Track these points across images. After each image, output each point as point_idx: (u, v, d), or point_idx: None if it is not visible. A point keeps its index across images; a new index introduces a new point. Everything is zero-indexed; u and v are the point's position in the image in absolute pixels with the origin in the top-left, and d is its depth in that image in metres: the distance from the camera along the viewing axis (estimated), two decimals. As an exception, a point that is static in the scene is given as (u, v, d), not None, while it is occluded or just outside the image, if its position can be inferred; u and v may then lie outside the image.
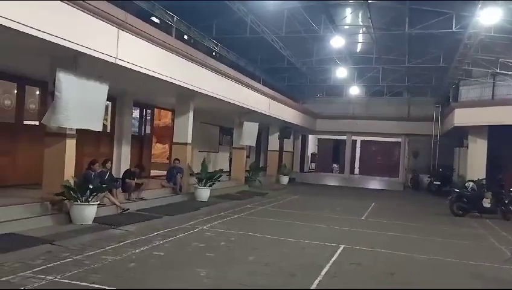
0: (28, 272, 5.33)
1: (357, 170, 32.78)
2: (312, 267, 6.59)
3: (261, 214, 11.85)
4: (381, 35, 18.54)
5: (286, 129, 23.55)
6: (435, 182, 21.63)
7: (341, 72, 22.89)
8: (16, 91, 10.62)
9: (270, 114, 18.92)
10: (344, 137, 29.16)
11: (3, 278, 5.02)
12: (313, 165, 33.03)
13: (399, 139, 28.50)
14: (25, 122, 10.79)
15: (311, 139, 33.22)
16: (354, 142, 31.22)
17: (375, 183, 26.07)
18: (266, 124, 22.40)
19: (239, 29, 16.80)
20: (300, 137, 29.58)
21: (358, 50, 22.46)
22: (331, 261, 7.00)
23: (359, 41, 21.44)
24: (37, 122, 10.64)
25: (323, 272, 6.30)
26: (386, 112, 26.86)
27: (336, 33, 17.41)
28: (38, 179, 8.75)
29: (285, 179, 22.67)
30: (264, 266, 6.51)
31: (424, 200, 19.19)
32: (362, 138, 31.84)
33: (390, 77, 24.69)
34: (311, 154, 33.17)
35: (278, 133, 23.63)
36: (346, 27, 19.27)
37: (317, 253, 7.59)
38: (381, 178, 28.83)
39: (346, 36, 18.42)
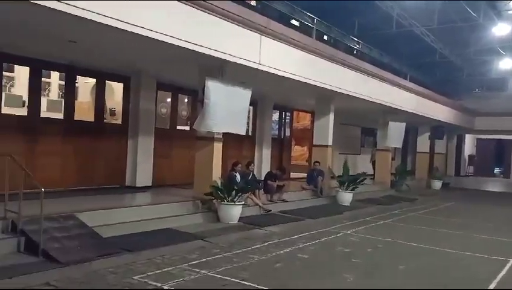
0: (185, 265, 5.71)
1: (525, 175, 28.10)
2: (474, 282, 5.78)
3: (409, 221, 10.89)
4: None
5: (438, 129, 21.39)
6: None
7: (505, 63, 19.90)
8: (170, 100, 11.81)
9: (418, 112, 17.42)
10: (509, 137, 25.26)
11: (165, 269, 5.47)
12: (471, 168, 29.42)
13: None
14: (178, 127, 11.90)
15: (469, 140, 29.59)
16: (522, 142, 26.84)
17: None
18: (414, 123, 20.74)
19: (383, 25, 16.00)
20: (456, 137, 26.57)
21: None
22: (499, 277, 5.99)
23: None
24: (187, 128, 11.67)
25: (491, 286, 5.45)
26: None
27: (499, 20, 15.18)
28: (190, 180, 9.50)
29: (437, 184, 20.57)
30: (415, 276, 5.97)
31: None
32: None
33: None
34: (469, 156, 29.59)
35: (429, 133, 21.63)
36: (511, 12, 16.72)
37: (479, 267, 6.63)
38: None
39: (511, 23, 15.97)
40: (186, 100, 12.45)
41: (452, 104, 21.91)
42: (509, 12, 16.57)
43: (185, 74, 9.91)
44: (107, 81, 10.25)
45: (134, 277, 5.08)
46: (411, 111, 16.81)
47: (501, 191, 21.51)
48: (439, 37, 17.91)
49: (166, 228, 7.57)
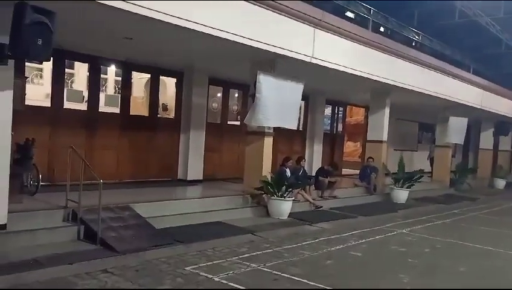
0: (235, 258, 5.74)
1: None
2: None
3: (470, 221, 10.27)
4: None
5: (503, 124, 19.97)
6: None
7: None
8: (220, 95, 11.90)
9: (481, 107, 16.35)
10: None
11: (216, 261, 5.53)
12: (539, 167, 27.28)
13: None
14: (229, 122, 11.97)
15: (538, 136, 27.43)
16: None
17: None
18: (477, 118, 19.53)
19: (445, 15, 15.16)
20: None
21: None
22: None
23: None
24: (238, 122, 11.71)
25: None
26: None
27: None
28: (240, 174, 9.52)
29: (501, 183, 19.29)
30: (479, 279, 5.62)
31: None
32: None
33: None
34: (538, 154, 27.43)
35: (493, 129, 20.27)
36: None
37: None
38: None
39: None
40: (236, 95, 12.52)
41: (519, 98, 20.39)
42: None
43: (236, 69, 9.94)
44: (160, 77, 10.51)
45: (186, 268, 5.17)
46: (474, 105, 15.82)
47: None
48: (506, 27, 16.69)
49: (216, 221, 7.63)
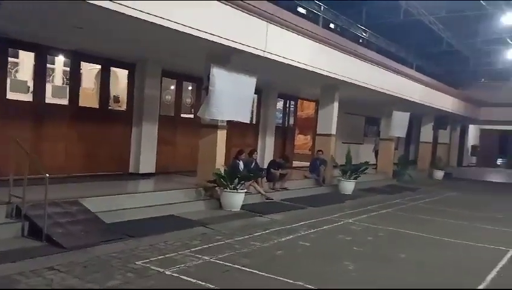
0: (187, 251, 5.79)
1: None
2: (474, 271, 5.86)
3: (411, 210, 10.93)
4: None
5: (442, 119, 21.29)
6: None
7: (512, 53, 19.73)
8: (174, 87, 11.79)
9: (423, 102, 17.32)
10: (513, 127, 25.23)
11: (167, 255, 5.56)
12: (474, 159, 29.37)
13: None
14: (182, 115, 11.90)
15: (472, 130, 29.45)
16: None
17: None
18: (419, 113, 20.65)
19: (391, 13, 15.81)
20: (459, 128, 26.48)
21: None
22: (499, 267, 6.10)
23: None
24: (191, 115, 11.69)
25: (488, 278, 5.54)
26: None
27: (507, 9, 14.99)
28: (193, 167, 9.55)
29: (439, 174, 20.60)
30: (417, 265, 6.02)
31: None
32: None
33: None
34: (472, 146, 29.49)
35: (432, 124, 21.55)
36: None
37: (479, 256, 6.74)
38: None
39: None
40: (190, 88, 12.45)
41: (457, 94, 21.75)
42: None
43: (190, 62, 9.89)
44: (112, 68, 10.25)
45: (137, 262, 5.16)
46: (416, 101, 16.71)
47: (504, 182, 21.47)
48: (447, 26, 17.68)
49: (168, 214, 7.65)
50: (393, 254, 6.48)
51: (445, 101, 19.62)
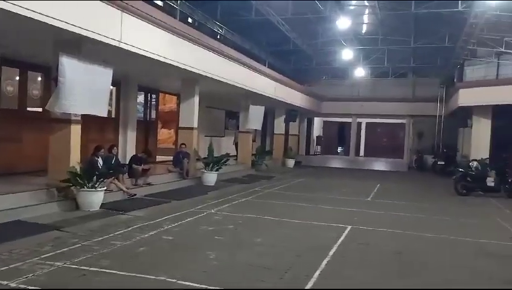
0: (36, 258, 5.31)
1: (362, 152, 32.79)
2: (319, 248, 6.60)
3: (268, 197, 11.84)
4: (387, 16, 18.23)
5: (292, 112, 23.39)
6: (439, 163, 21.60)
7: (347, 54, 22.61)
8: (18, 77, 10.52)
9: (275, 97, 18.75)
10: (349, 119, 29.16)
11: (12, 265, 5.01)
12: (319, 148, 32.98)
13: (404, 121, 28.65)
14: (29, 108, 10.70)
15: (317, 122, 33.07)
16: (359, 124, 31.18)
17: (380, 165, 26.04)
18: (272, 107, 22.24)
19: (244, 11, 16.54)
20: (306, 120, 29.44)
21: (364, 31, 22.13)
22: (339, 242, 7.03)
23: (365, 22, 21.16)
24: (40, 109, 10.58)
25: (331, 253, 6.34)
26: (391, 93, 26.79)
27: (341, 14, 17.11)
28: (45, 166, 8.72)
29: (291, 162, 22.64)
30: (271, 247, 6.56)
31: (428, 180, 19.15)
32: (367, 120, 31.74)
33: (396, 58, 24.44)
34: (317, 137, 33.07)
35: (284, 116, 23.49)
36: (352, 7, 18.98)
37: (324, 234, 7.61)
38: (386, 159, 28.80)
39: (352, 17, 18.12)
40: (39, 79, 11.18)
41: (304, 90, 24.12)
42: (350, 7, 18.80)
43: (36, 49, 8.92)
44: None
45: (-25, 277, 4.56)
46: (269, 95, 17.98)
47: (342, 167, 24.66)
48: (293, 27, 19.21)
49: (15, 220, 6.89)
50: (250, 239, 6.95)
51: (294, 96, 21.53)
